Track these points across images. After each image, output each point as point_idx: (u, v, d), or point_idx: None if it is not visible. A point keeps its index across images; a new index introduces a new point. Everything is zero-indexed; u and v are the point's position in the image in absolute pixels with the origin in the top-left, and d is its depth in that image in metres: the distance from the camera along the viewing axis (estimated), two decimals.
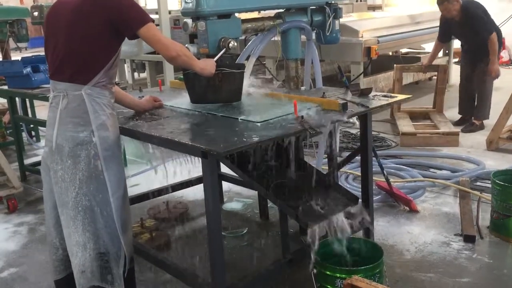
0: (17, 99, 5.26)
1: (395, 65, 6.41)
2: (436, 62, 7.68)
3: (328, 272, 2.40)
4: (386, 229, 3.55)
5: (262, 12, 3.71)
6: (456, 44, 9.00)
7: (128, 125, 2.62)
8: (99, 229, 2.38)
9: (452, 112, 6.57)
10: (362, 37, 6.23)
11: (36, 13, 4.71)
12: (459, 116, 6.18)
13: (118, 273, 2.45)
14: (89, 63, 2.32)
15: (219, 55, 2.74)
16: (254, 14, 3.73)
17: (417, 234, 3.47)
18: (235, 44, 2.78)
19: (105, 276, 2.43)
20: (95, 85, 2.33)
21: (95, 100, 2.33)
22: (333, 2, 3.41)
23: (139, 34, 2.32)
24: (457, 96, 6.28)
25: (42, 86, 4.52)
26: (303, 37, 3.44)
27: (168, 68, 6.12)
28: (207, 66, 2.63)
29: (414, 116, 6.16)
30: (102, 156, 2.34)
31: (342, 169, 4.21)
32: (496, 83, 8.47)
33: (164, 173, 3.27)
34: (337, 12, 3.43)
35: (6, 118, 5.91)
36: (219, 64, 2.69)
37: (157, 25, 6.20)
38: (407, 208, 3.83)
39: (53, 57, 2.38)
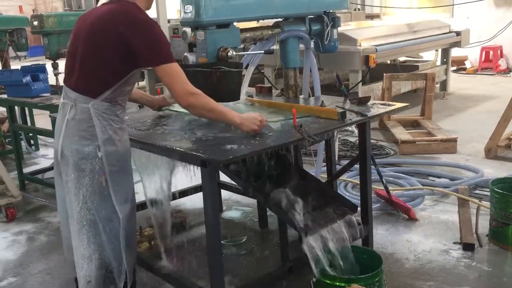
0: (16, 107, 5.27)
1: (384, 74, 6.44)
2: (433, 70, 7.72)
3: (327, 281, 2.40)
4: (385, 237, 3.55)
5: (261, 21, 3.73)
6: (454, 52, 9.09)
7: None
8: (103, 242, 2.35)
9: (449, 121, 6.59)
10: (360, 45, 6.25)
11: (36, 23, 4.72)
12: (454, 124, 6.18)
13: (119, 287, 2.44)
14: (100, 77, 2.25)
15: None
16: (253, 24, 3.74)
17: (416, 242, 3.47)
18: (234, 53, 2.80)
19: (109, 285, 2.41)
20: (105, 99, 2.26)
21: (102, 116, 2.26)
22: (331, 11, 3.43)
23: (156, 69, 2.23)
24: (455, 104, 6.29)
25: (42, 95, 4.53)
26: (302, 46, 3.45)
27: None
28: (245, 121, 2.40)
29: (404, 124, 6.18)
30: (108, 171, 2.28)
31: (341, 178, 4.22)
32: (494, 91, 8.53)
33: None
34: (335, 21, 3.45)
35: (5, 126, 5.92)
36: (216, 63, 2.71)
37: None
38: (406, 216, 3.83)
39: (69, 62, 2.35)
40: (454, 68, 10.52)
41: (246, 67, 3.37)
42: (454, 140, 5.38)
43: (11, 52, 6.17)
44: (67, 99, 2.33)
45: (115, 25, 2.19)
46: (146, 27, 2.20)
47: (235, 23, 2.98)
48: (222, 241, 2.78)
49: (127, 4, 2.27)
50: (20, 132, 5.46)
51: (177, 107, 2.96)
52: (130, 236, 2.44)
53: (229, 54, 2.76)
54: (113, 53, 2.21)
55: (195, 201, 3.98)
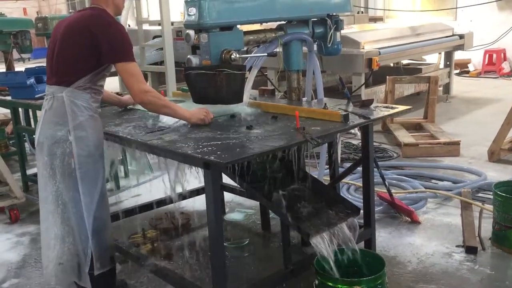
0: (20, 109, 5.28)
1: (387, 77, 6.44)
2: (436, 73, 7.72)
3: (329, 283, 2.39)
4: (387, 240, 3.55)
5: (264, 24, 3.73)
6: (458, 55, 9.08)
7: (127, 135, 2.64)
8: (72, 224, 2.50)
9: (452, 124, 6.58)
10: (363, 48, 6.26)
11: (40, 25, 4.76)
12: (457, 127, 6.17)
13: (84, 271, 2.56)
14: (74, 69, 2.46)
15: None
16: (256, 26, 3.75)
17: (418, 245, 3.46)
18: (237, 55, 2.80)
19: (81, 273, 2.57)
20: (77, 88, 2.46)
21: (74, 102, 2.46)
22: (334, 14, 3.44)
23: (115, 66, 2.45)
24: (458, 107, 6.28)
25: None
26: (305, 49, 3.46)
27: (171, 79, 6.15)
28: (193, 114, 2.68)
29: (406, 127, 6.17)
30: (76, 154, 2.46)
31: (344, 180, 4.22)
32: (497, 94, 8.52)
33: (166, 183, 3.27)
34: (338, 24, 3.45)
35: (9, 128, 5.94)
36: (219, 65, 2.73)
37: (159, 36, 6.22)
38: (409, 219, 3.83)
39: (48, 64, 2.58)
40: (457, 71, 10.51)
41: (249, 70, 3.38)
42: (457, 143, 5.38)
43: (15, 54, 6.20)
44: (48, 94, 2.55)
45: (87, 26, 2.44)
46: (112, 28, 2.45)
47: (238, 26, 2.99)
48: (224, 243, 2.78)
49: (98, 10, 2.54)
50: (23, 133, 5.47)
51: (139, 105, 3.02)
52: (100, 223, 2.56)
53: (232, 56, 2.77)
54: (85, 50, 2.43)
55: (198, 202, 3.99)
